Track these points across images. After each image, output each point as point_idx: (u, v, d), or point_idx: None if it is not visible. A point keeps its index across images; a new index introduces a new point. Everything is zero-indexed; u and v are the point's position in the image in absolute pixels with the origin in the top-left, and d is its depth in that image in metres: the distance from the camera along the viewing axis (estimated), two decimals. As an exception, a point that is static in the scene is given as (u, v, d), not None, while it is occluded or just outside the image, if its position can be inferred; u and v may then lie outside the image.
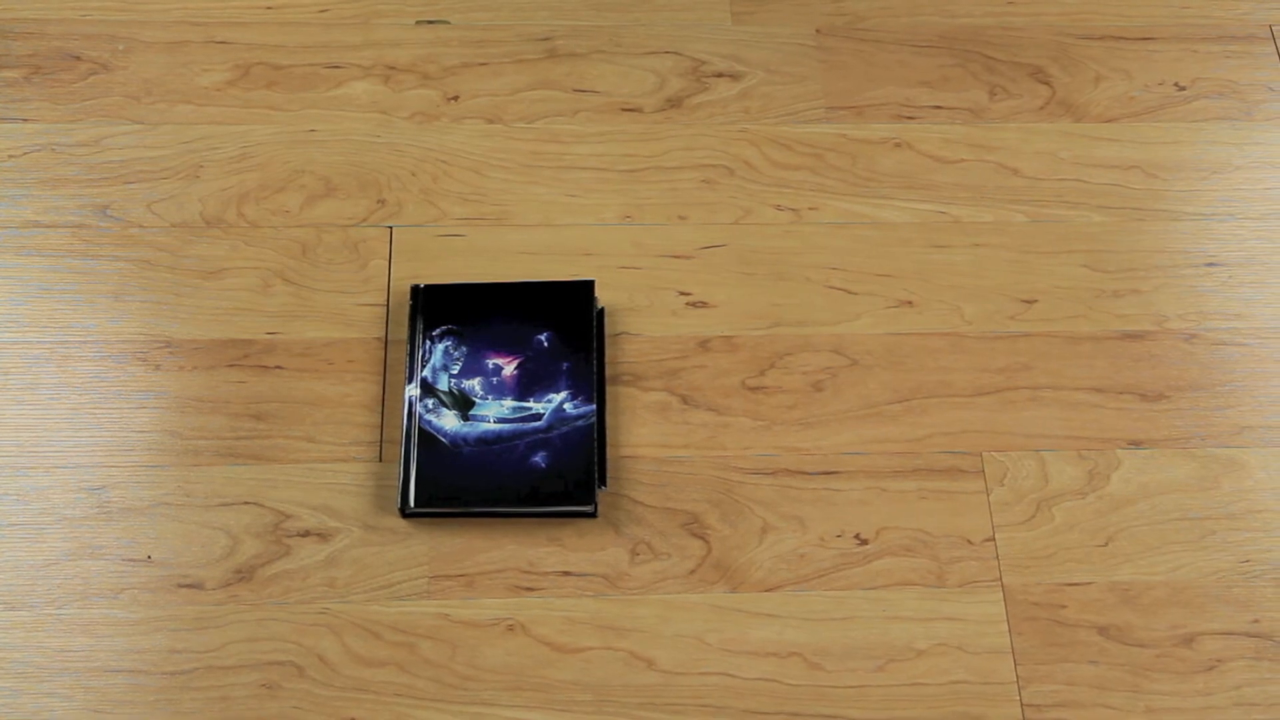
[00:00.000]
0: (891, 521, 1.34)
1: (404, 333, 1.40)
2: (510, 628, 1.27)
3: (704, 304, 1.43)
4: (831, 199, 1.50)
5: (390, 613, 1.27)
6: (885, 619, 1.29)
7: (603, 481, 1.33)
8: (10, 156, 1.47)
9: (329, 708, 1.23)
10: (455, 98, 1.54)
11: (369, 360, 1.39)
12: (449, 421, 1.34)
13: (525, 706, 1.24)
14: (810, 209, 1.49)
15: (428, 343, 1.38)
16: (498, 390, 1.36)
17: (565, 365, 1.37)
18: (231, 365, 1.38)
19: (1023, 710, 1.25)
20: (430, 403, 1.35)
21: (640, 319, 1.43)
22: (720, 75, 1.57)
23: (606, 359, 1.40)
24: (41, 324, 1.39)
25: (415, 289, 1.40)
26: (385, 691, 1.24)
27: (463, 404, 1.35)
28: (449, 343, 1.38)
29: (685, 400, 1.38)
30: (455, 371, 1.37)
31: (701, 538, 1.32)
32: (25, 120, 1.50)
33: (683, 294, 1.44)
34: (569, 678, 1.26)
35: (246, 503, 1.32)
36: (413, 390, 1.35)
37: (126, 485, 1.32)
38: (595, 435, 1.34)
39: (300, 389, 1.37)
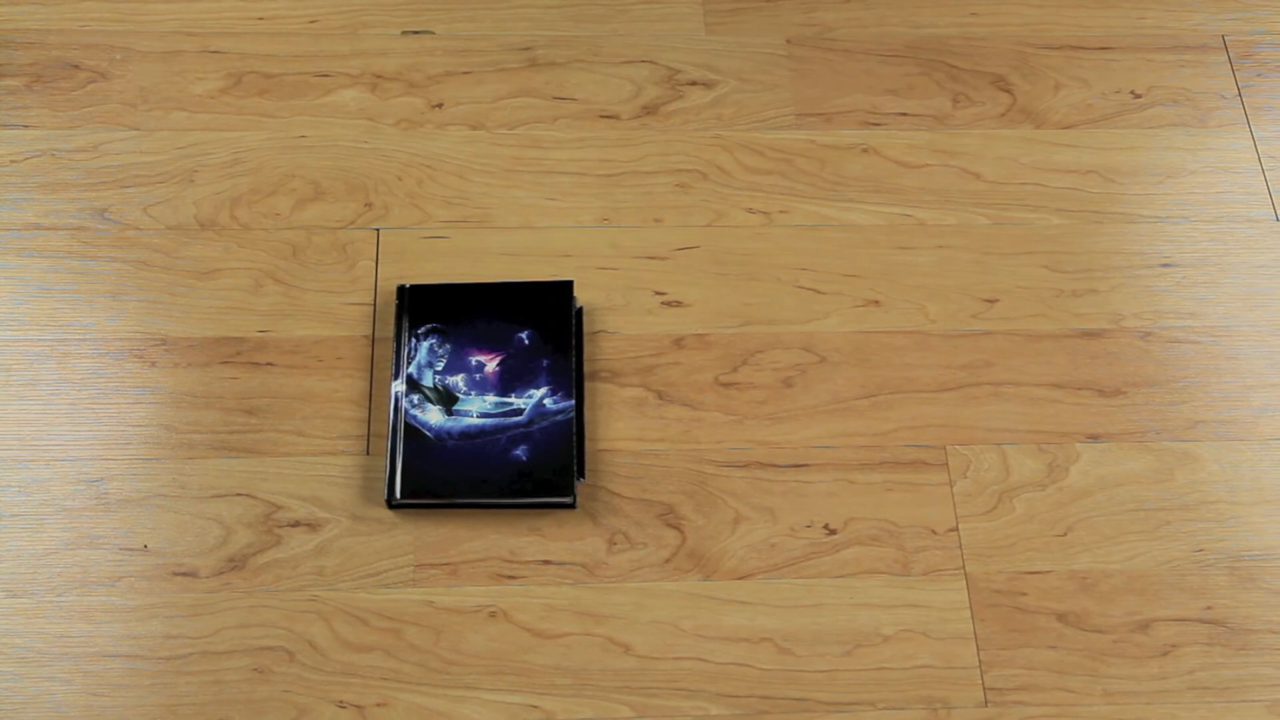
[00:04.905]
0: (859, 512, 1.35)
1: (390, 331, 1.40)
2: (492, 614, 1.29)
3: (678, 303, 1.44)
4: (801, 202, 1.50)
5: (377, 600, 1.29)
6: (853, 606, 1.30)
7: (581, 474, 1.34)
8: (12, 161, 1.48)
9: (318, 691, 1.25)
10: (439, 105, 1.54)
11: (357, 357, 1.40)
12: (433, 416, 1.35)
13: (507, 690, 1.25)
14: (781, 212, 1.50)
15: (413, 340, 1.39)
16: (480, 386, 1.37)
17: (545, 362, 1.38)
18: (224, 362, 1.38)
19: (985, 694, 1.27)
20: (415, 398, 1.36)
21: (617, 318, 1.43)
22: (694, 83, 1.57)
23: (585, 356, 1.41)
24: (42, 322, 1.40)
25: (401, 289, 1.41)
26: (372, 676, 1.25)
27: (447, 399, 1.36)
28: (434, 340, 1.39)
29: (661, 396, 1.40)
30: (440, 368, 1.37)
31: (676, 528, 1.33)
32: (26, 126, 1.50)
33: (658, 293, 1.45)
34: (549, 662, 1.27)
35: (239, 494, 1.32)
36: (399, 386, 1.36)
37: (124, 477, 1.33)
38: (574, 429, 1.34)
39: (290, 385, 1.38)
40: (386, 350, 1.40)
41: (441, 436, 1.34)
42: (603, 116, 1.55)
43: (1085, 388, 1.42)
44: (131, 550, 1.30)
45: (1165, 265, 1.50)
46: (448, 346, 1.39)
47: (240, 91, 1.54)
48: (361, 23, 1.60)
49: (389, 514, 1.33)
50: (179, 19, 1.58)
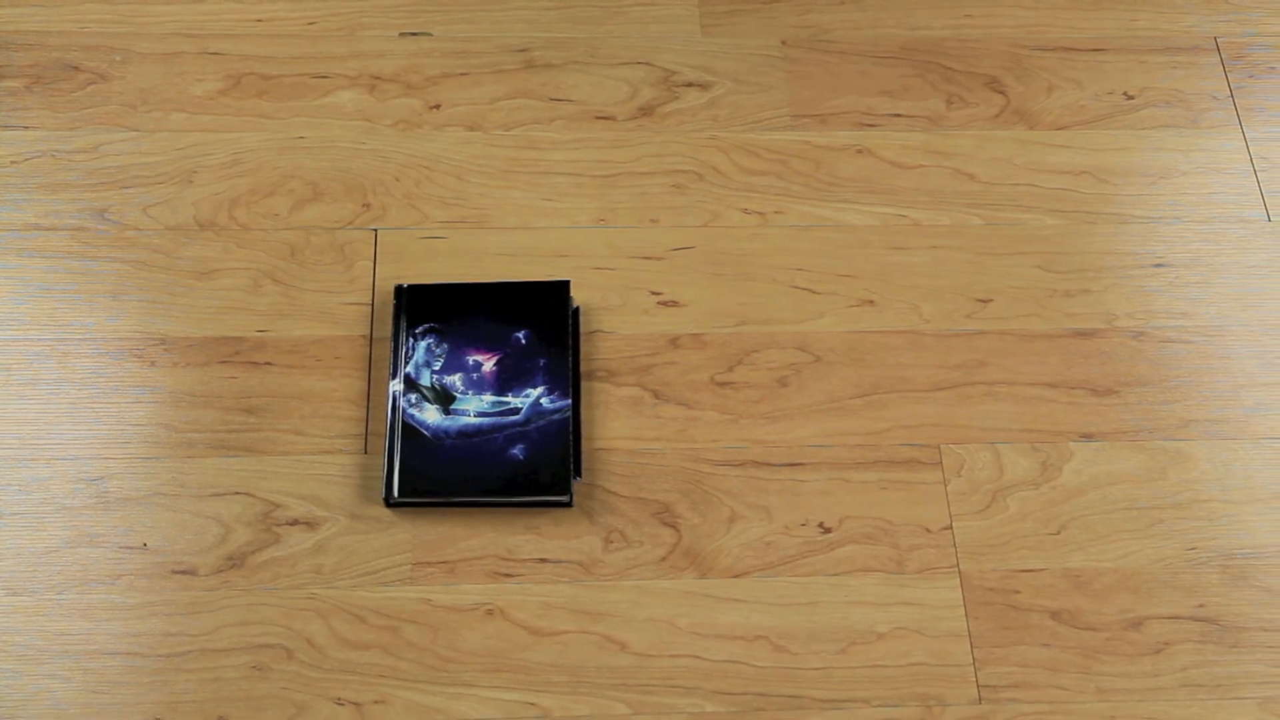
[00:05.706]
0: (854, 511, 1.35)
1: (388, 331, 1.41)
2: (489, 612, 1.29)
3: (674, 303, 1.45)
4: (796, 203, 1.51)
5: (375, 598, 1.29)
6: (847, 604, 1.31)
7: (578, 473, 1.34)
8: (12, 162, 1.48)
9: (317, 688, 1.25)
10: (437, 106, 1.55)
11: (355, 357, 1.40)
12: (431, 415, 1.35)
13: (504, 687, 1.26)
14: (776, 212, 1.50)
15: (411, 340, 1.39)
16: (478, 385, 1.37)
17: (542, 362, 1.38)
18: (223, 362, 1.39)
19: (978, 691, 1.27)
20: (413, 397, 1.36)
21: (613, 317, 1.44)
22: (690, 85, 1.57)
23: (581, 355, 1.41)
24: (42, 322, 1.40)
25: (399, 289, 1.41)
26: (370, 673, 1.26)
27: (444, 399, 1.36)
28: (431, 340, 1.39)
29: (657, 395, 1.40)
30: (437, 368, 1.38)
31: (672, 526, 1.34)
32: (27, 128, 1.50)
33: (654, 293, 1.45)
34: (546, 660, 1.27)
35: (238, 493, 1.33)
36: (396, 385, 1.37)
37: (123, 476, 1.33)
38: (571, 428, 1.35)
39: (289, 384, 1.38)
40: (384, 350, 1.41)
41: (439, 435, 1.35)
42: (599, 118, 1.56)
43: (1078, 387, 1.43)
44: (131, 548, 1.31)
45: (1158, 265, 1.50)
46: (445, 346, 1.39)
47: (239, 93, 1.55)
48: (359, 24, 1.60)
49: (387, 512, 1.34)
50: (178, 21, 1.59)
